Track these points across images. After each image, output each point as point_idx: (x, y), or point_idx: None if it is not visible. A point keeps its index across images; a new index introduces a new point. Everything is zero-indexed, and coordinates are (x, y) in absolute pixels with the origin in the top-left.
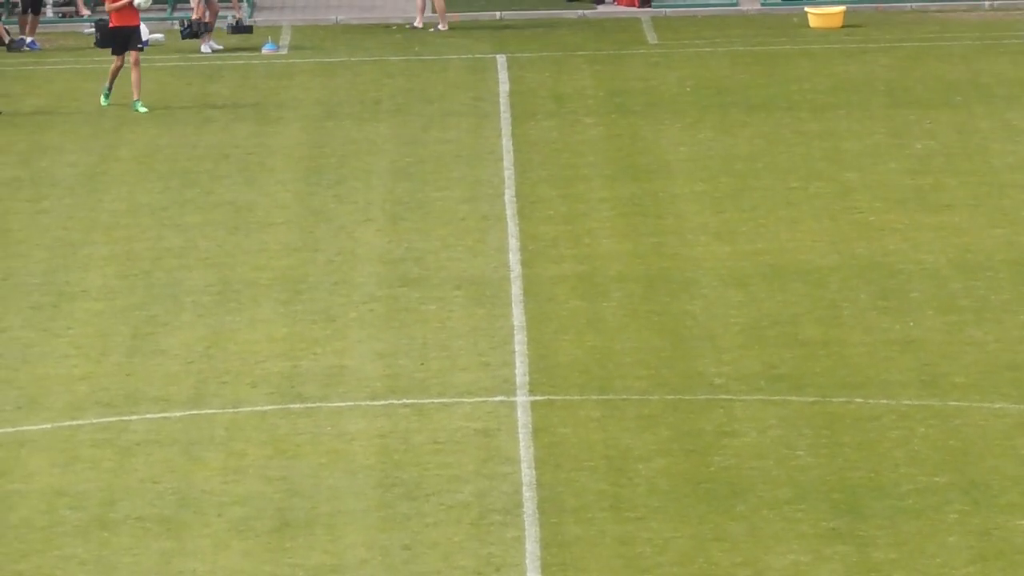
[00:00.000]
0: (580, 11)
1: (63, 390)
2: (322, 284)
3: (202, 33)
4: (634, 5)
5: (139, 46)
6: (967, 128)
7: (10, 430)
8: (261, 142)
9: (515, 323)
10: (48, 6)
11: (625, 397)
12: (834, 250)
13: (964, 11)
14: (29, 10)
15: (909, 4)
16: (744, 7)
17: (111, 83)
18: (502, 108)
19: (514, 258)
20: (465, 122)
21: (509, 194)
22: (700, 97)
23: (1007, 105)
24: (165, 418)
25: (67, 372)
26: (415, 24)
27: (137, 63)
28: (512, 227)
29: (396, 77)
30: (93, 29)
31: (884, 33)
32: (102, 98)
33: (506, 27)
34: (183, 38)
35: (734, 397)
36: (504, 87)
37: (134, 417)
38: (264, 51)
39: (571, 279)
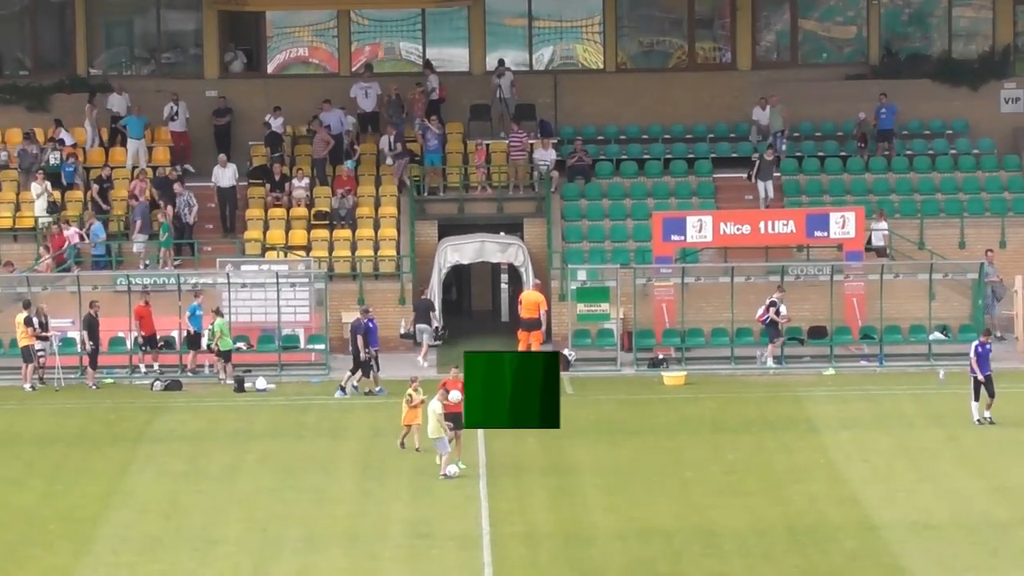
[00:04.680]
0: None
1: None
2: (364, 535)
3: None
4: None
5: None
6: (760, 446)
7: None
8: (333, 450)
9: None
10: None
11: None
12: (674, 514)
13: (758, 375)
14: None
15: (726, 369)
16: (624, 371)
17: (444, 458)
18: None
19: None
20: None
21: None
22: (598, 425)
23: (784, 433)
24: None
25: None
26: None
27: (458, 437)
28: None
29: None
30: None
31: (710, 388)
32: (445, 465)
33: None
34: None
35: None
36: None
37: None
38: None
39: None
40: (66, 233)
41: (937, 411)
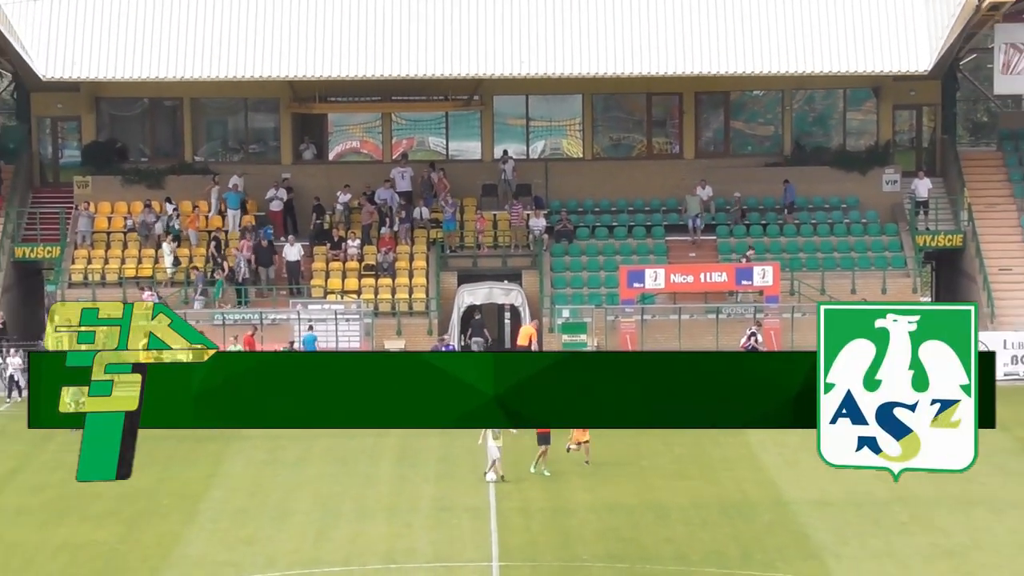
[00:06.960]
0: None
1: None
2: (401, 508)
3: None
4: None
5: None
6: (699, 442)
7: None
8: (372, 448)
9: None
10: None
11: None
12: (634, 493)
13: None
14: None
15: None
16: None
17: (538, 461)
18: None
19: None
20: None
21: None
22: None
23: (718, 432)
24: None
25: None
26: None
27: (545, 452)
28: None
29: None
30: None
31: None
32: (533, 468)
33: None
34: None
35: None
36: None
37: None
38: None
39: None
40: (143, 296)
41: None
